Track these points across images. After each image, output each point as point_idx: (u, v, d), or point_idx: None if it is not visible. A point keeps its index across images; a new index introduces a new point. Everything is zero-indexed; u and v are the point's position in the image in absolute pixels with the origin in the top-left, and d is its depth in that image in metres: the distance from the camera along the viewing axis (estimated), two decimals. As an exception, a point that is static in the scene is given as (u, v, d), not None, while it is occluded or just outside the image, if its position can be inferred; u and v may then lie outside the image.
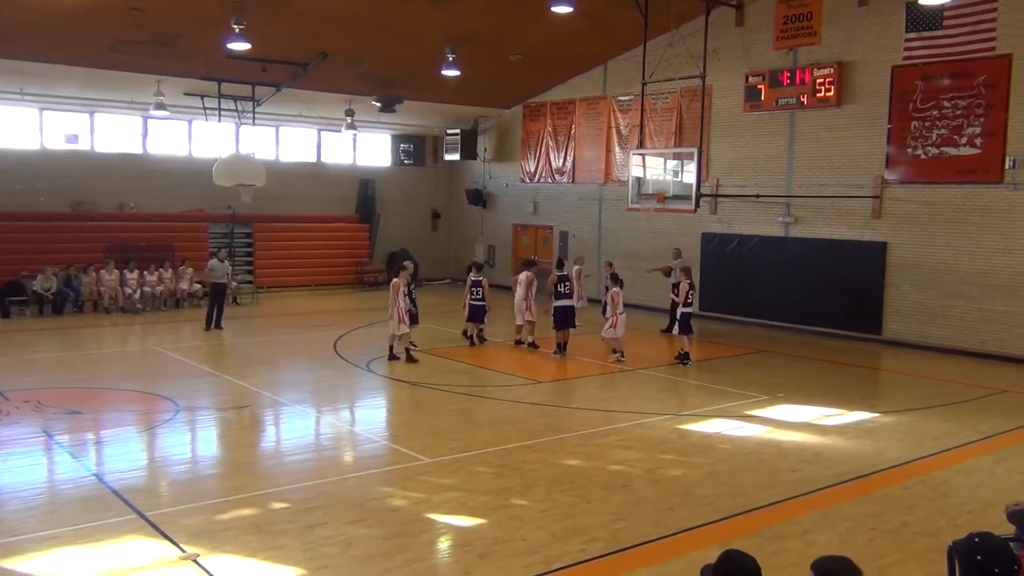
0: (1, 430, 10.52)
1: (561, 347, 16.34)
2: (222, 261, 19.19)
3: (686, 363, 15.63)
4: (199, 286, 22.04)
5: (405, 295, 15.26)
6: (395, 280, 15.51)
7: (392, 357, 15.31)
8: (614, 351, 15.88)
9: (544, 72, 24.51)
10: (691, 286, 16.18)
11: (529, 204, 26.96)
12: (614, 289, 15.86)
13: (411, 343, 15.76)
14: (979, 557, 3.37)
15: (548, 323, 16.61)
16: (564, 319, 16.32)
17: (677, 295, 16.48)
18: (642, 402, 12.87)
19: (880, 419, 12.02)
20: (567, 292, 16.52)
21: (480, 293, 16.93)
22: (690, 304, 16.07)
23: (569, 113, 25.35)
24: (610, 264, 19.04)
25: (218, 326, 18.72)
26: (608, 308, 15.88)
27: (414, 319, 15.73)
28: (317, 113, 24.94)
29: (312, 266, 26.69)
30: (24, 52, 18.47)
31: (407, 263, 16.46)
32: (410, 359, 15.29)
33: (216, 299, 18.83)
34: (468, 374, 14.86)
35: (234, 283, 23.08)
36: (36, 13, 16.68)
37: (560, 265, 17.92)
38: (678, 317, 16.07)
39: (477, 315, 17.05)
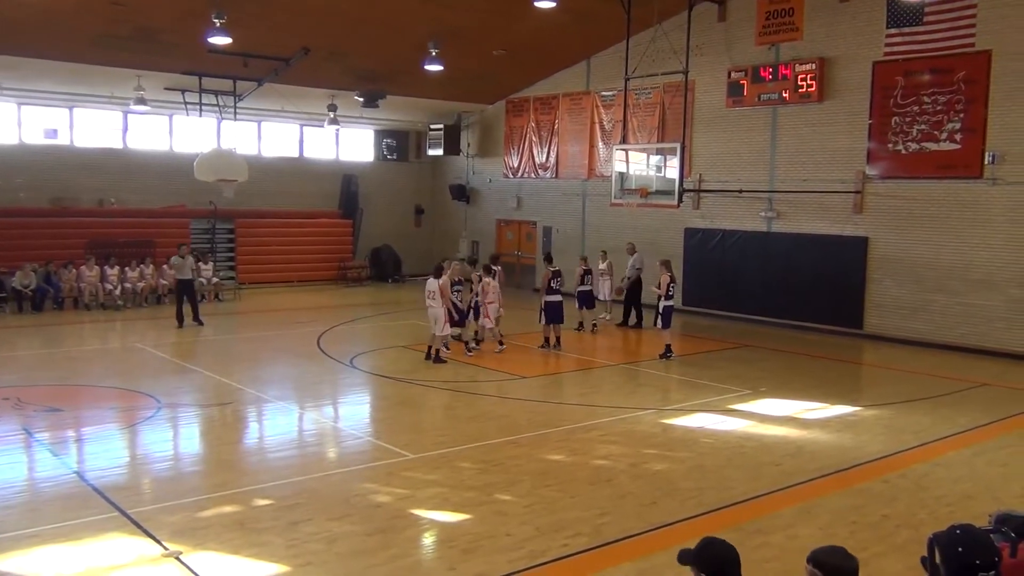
0: (-20, 428, 10.42)
1: (548, 341, 16.39)
2: (183, 257, 18.75)
3: (669, 357, 15.68)
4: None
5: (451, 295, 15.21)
6: (443, 280, 15.05)
7: (437, 359, 14.87)
8: (500, 343, 15.98)
9: (527, 67, 24.49)
10: (672, 279, 16.20)
11: (513, 199, 26.95)
12: (486, 279, 15.90)
13: (472, 340, 15.94)
14: (960, 549, 3.38)
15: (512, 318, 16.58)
16: (555, 314, 16.35)
17: (659, 289, 16.40)
18: (625, 397, 12.91)
19: (861, 413, 12.11)
20: (559, 288, 16.60)
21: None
22: (671, 297, 16.10)
23: (552, 108, 25.34)
24: (592, 259, 19.05)
25: (197, 321, 18.59)
26: (479, 297, 15.89)
27: (460, 320, 15.72)
28: (299, 108, 24.81)
29: (295, 262, 26.57)
30: (3, 46, 18.27)
31: (454, 263, 16.36)
32: (439, 360, 14.89)
33: (183, 296, 18.62)
34: (452, 369, 14.81)
35: (215, 278, 22.92)
36: (16, 7, 16.49)
37: (549, 260, 17.92)
38: (660, 311, 16.07)
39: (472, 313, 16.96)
